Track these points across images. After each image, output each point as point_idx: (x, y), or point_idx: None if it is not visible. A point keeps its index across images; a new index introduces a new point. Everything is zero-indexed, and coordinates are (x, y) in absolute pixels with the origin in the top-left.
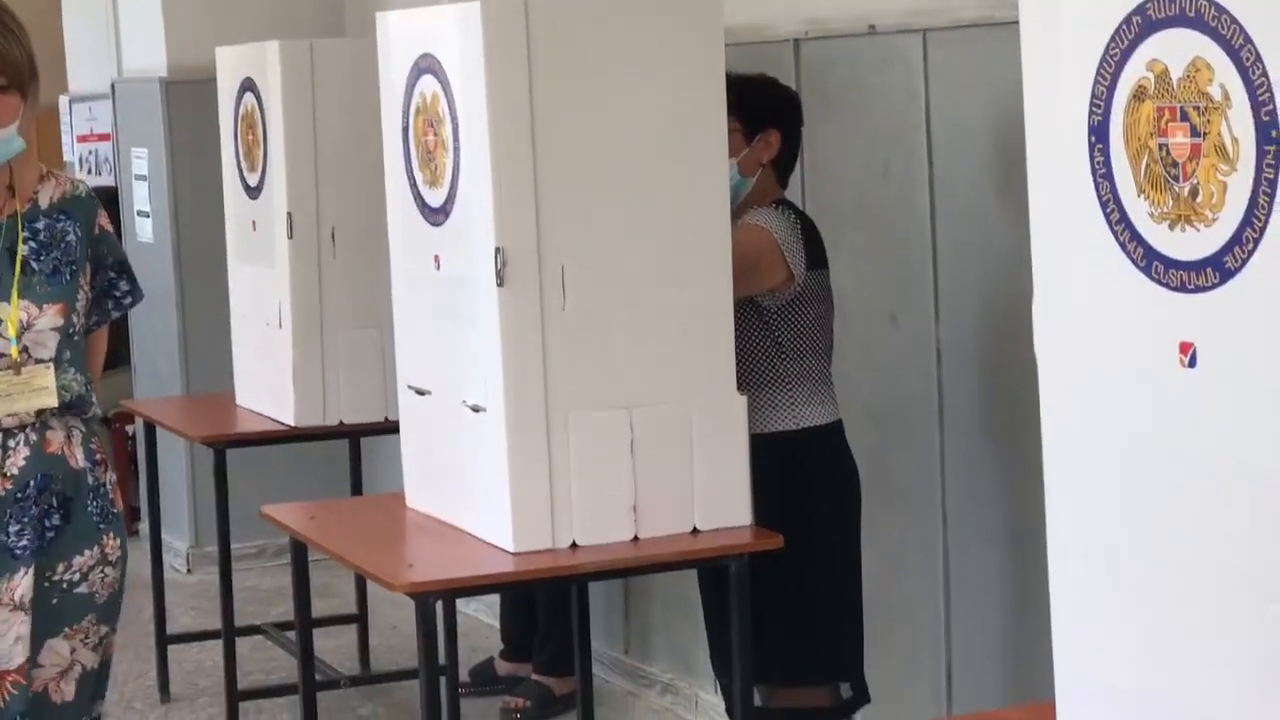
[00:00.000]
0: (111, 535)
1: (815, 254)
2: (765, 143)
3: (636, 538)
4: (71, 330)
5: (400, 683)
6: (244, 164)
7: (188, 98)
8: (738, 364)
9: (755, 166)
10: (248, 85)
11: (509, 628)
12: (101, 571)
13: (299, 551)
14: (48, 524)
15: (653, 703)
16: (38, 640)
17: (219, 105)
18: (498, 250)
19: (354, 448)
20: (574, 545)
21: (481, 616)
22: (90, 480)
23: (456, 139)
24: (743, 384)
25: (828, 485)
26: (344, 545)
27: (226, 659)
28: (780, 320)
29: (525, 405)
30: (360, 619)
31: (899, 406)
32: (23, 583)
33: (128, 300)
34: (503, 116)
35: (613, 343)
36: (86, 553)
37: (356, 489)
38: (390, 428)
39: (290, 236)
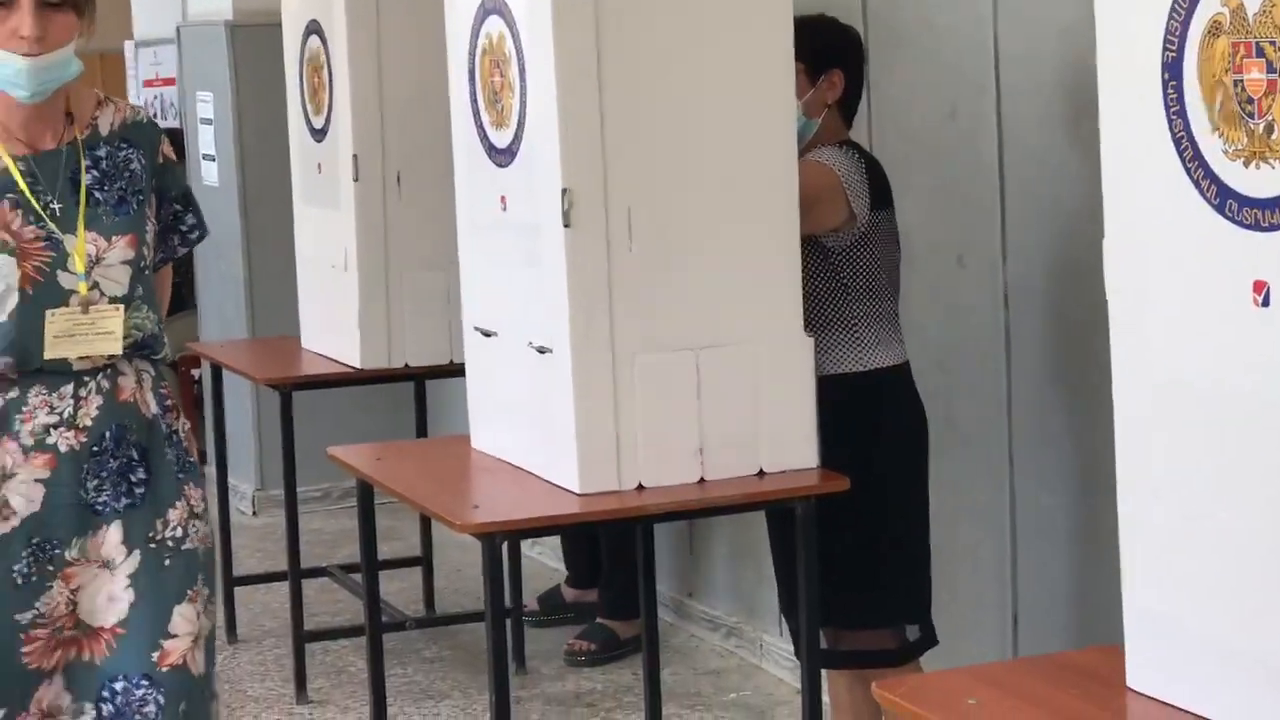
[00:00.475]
0: (192, 485)
1: (880, 194)
2: (829, 83)
3: (703, 480)
4: (143, 264)
5: (464, 625)
6: (309, 107)
7: (253, 41)
8: (804, 306)
9: (820, 108)
10: (313, 28)
11: (572, 558)
12: (196, 526)
13: (365, 493)
14: (133, 479)
15: (717, 646)
16: (162, 607)
17: (284, 48)
18: (564, 191)
19: (419, 390)
20: (639, 487)
21: (545, 559)
22: (164, 428)
23: (523, 80)
24: (809, 326)
25: (895, 427)
26: (410, 486)
27: (293, 601)
28: (845, 261)
29: (591, 346)
30: (425, 562)
31: (965, 350)
32: (108, 540)
33: (194, 235)
34: (569, 57)
35: (679, 284)
36: (178, 505)
37: (421, 431)
38: (455, 370)
39: (356, 179)
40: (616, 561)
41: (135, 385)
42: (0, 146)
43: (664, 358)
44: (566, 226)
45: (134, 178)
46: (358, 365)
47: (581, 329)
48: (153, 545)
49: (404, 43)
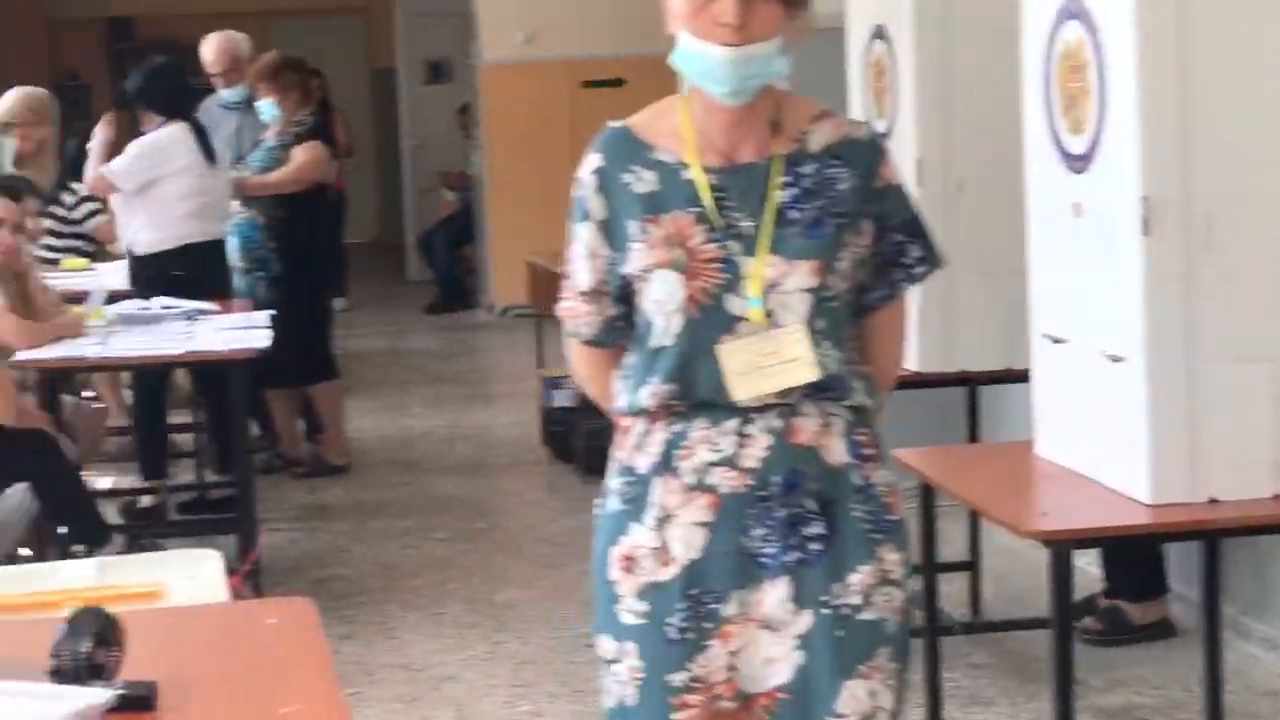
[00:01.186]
0: (891, 549)
1: None
2: None
3: (1278, 495)
4: (828, 294)
5: (1009, 632)
6: (872, 110)
7: (812, 45)
8: None
9: None
10: (878, 32)
11: (1112, 567)
12: (885, 593)
13: (927, 495)
14: (805, 532)
15: (1275, 666)
16: (830, 679)
17: (849, 51)
18: (1144, 198)
19: (971, 395)
20: (1211, 500)
21: (1079, 562)
22: (855, 479)
23: (1102, 85)
24: None
25: None
26: (973, 490)
27: None
28: None
29: (1166, 356)
30: (972, 566)
31: None
32: (769, 598)
33: (920, 270)
34: (1153, 63)
35: (1258, 293)
36: (862, 569)
37: (973, 437)
38: (1011, 376)
39: (919, 184)
40: (1128, 547)
41: (819, 428)
42: (694, 156)
43: (1241, 368)
44: (1145, 234)
45: (838, 198)
46: (915, 369)
47: (1157, 338)
48: (826, 610)
49: (971, 46)
